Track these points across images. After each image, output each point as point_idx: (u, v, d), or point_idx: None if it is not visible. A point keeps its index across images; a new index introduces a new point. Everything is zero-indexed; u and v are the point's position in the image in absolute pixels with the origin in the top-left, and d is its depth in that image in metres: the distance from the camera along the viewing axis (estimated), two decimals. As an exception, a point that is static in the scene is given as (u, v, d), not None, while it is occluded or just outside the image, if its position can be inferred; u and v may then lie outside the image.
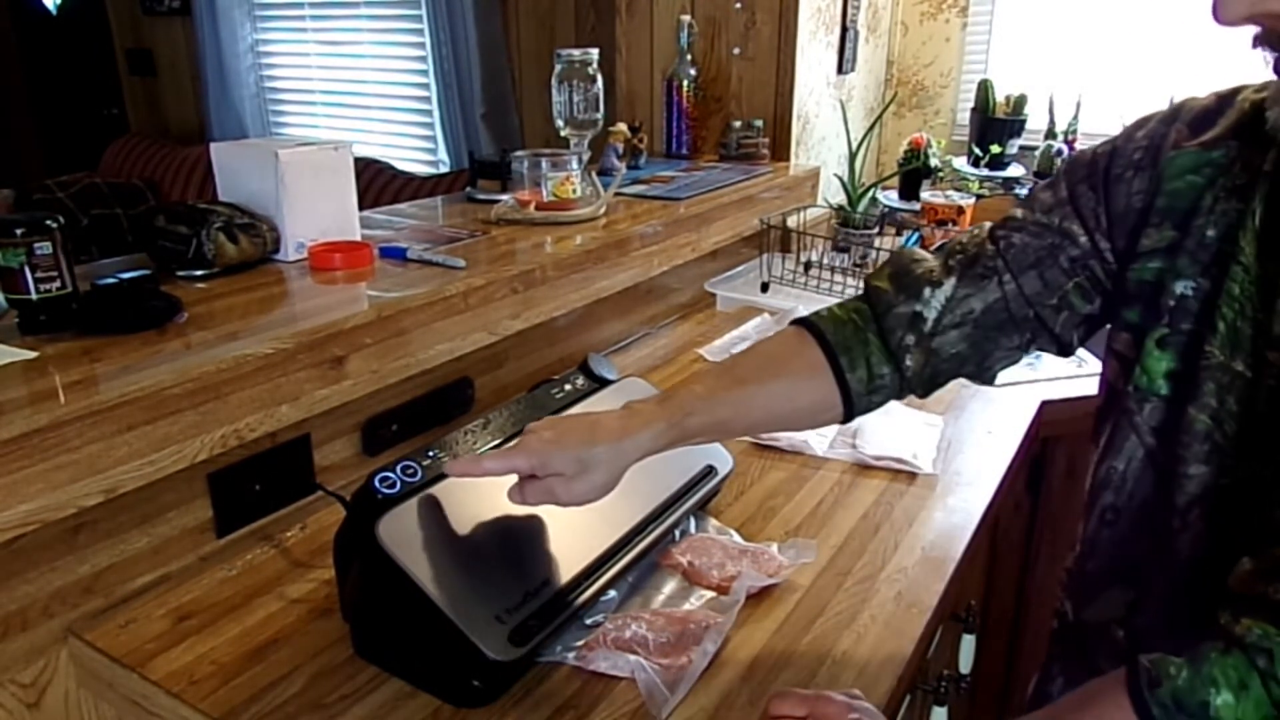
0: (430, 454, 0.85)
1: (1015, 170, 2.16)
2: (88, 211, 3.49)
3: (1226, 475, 0.65)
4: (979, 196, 1.97)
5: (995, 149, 2.14)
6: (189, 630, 0.87)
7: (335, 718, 0.76)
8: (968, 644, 1.20)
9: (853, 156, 1.89)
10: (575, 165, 1.49)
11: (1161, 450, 0.69)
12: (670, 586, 0.93)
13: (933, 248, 0.88)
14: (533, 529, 0.85)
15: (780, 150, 2.08)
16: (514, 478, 0.76)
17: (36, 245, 0.89)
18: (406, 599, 0.74)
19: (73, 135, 4.46)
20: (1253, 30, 0.58)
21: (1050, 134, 2.15)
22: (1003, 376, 0.84)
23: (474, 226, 1.43)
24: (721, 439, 0.95)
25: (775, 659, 0.83)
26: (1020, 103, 2.16)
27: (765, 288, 1.80)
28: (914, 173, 2.11)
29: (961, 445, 1.24)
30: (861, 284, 0.88)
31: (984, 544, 1.39)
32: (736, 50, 2.07)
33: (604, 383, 1.05)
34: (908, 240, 1.89)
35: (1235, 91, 0.70)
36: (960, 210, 1.83)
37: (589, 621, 0.86)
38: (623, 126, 1.87)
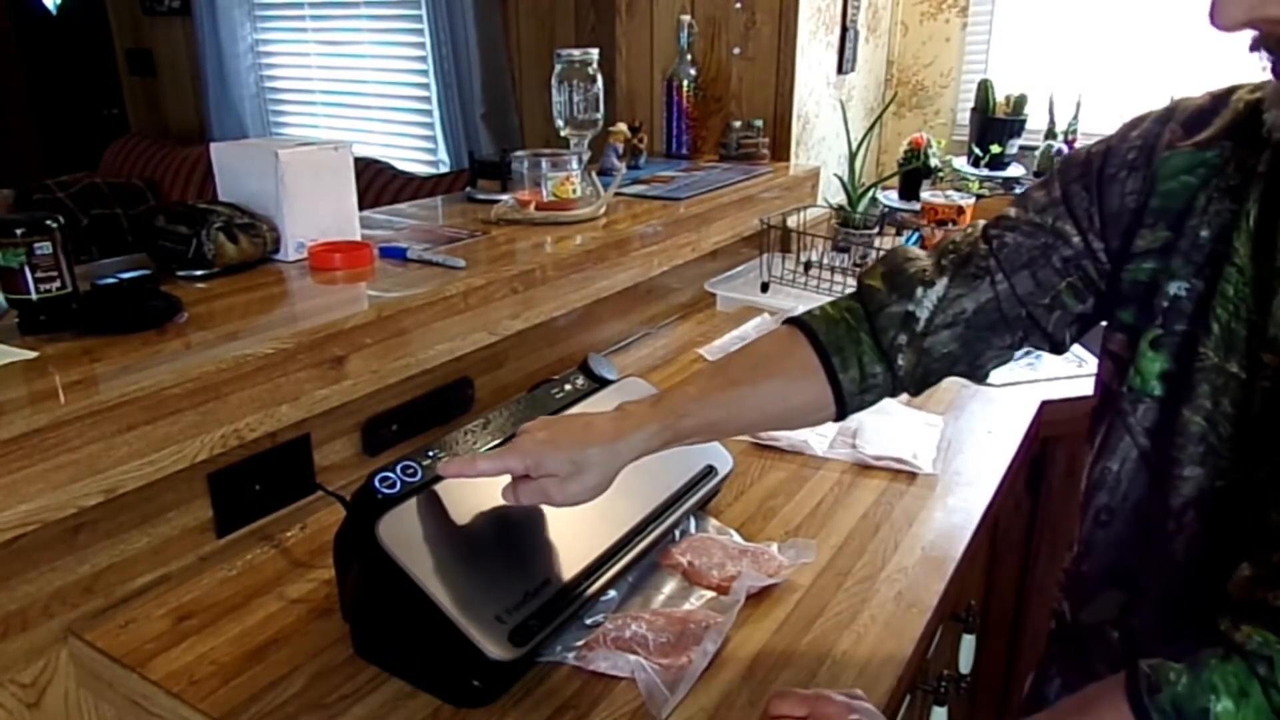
0: (430, 454, 0.85)
1: (1015, 170, 2.17)
2: (88, 211, 3.49)
3: (1221, 477, 0.65)
4: (979, 196, 1.97)
5: (995, 149, 2.14)
6: (189, 630, 0.87)
7: (335, 718, 0.76)
8: (968, 644, 1.20)
9: (853, 156, 1.89)
10: (575, 165, 1.49)
11: (1156, 451, 0.69)
12: (670, 586, 0.94)
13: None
14: (533, 529, 0.85)
15: (780, 150, 2.08)
16: (508, 478, 0.76)
17: (36, 245, 0.89)
18: (407, 599, 0.74)
19: (73, 135, 4.46)
20: (1251, 34, 0.58)
21: (1050, 134, 2.15)
22: (1003, 376, 0.84)
23: (474, 226, 1.43)
24: (715, 439, 0.95)
25: (775, 659, 0.83)
26: (1020, 103, 2.16)
27: (765, 288, 1.80)
28: (914, 173, 2.11)
29: (961, 445, 1.24)
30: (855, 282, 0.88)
31: (984, 544, 1.39)
32: (736, 50, 2.07)
33: (604, 383, 1.05)
34: (908, 241, 1.89)
35: (1230, 91, 0.70)
36: (960, 210, 1.83)
37: (589, 621, 0.86)
38: (623, 126, 1.87)
